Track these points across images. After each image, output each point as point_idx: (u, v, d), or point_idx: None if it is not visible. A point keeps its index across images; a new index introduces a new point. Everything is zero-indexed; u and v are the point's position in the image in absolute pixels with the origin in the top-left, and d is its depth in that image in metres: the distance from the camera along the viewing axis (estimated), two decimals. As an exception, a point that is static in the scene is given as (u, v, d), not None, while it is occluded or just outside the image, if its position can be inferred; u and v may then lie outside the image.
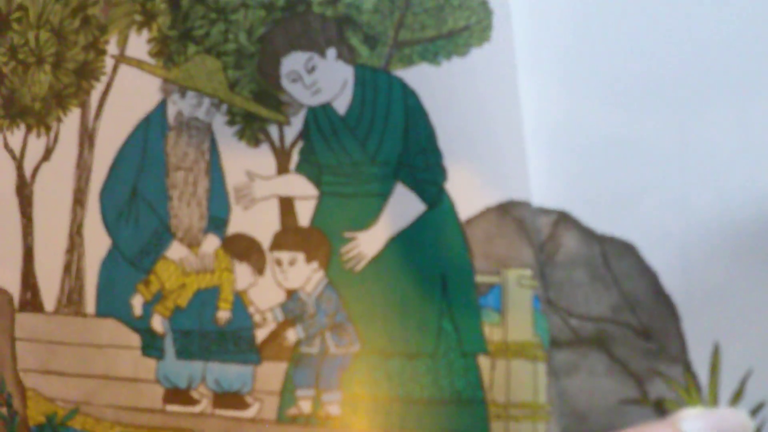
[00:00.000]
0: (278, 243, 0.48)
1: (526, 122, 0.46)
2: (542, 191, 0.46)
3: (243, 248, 0.49)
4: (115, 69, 0.52)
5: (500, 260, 0.46)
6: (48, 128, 0.54)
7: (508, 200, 0.46)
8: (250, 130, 0.49)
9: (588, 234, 0.45)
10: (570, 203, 0.45)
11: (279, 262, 0.48)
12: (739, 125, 0.43)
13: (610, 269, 0.45)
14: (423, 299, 0.47)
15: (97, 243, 0.52)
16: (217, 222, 0.50)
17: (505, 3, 0.47)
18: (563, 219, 0.46)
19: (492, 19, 0.47)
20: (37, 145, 0.55)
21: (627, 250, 0.45)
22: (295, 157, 0.49)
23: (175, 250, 0.51)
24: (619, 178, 0.45)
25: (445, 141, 0.47)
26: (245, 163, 0.49)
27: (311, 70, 0.48)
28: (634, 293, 0.44)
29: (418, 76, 0.47)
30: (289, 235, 0.48)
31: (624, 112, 0.45)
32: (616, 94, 0.45)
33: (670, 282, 0.44)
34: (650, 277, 0.44)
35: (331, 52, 0.48)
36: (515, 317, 0.45)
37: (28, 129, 0.55)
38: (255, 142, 0.49)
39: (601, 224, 0.45)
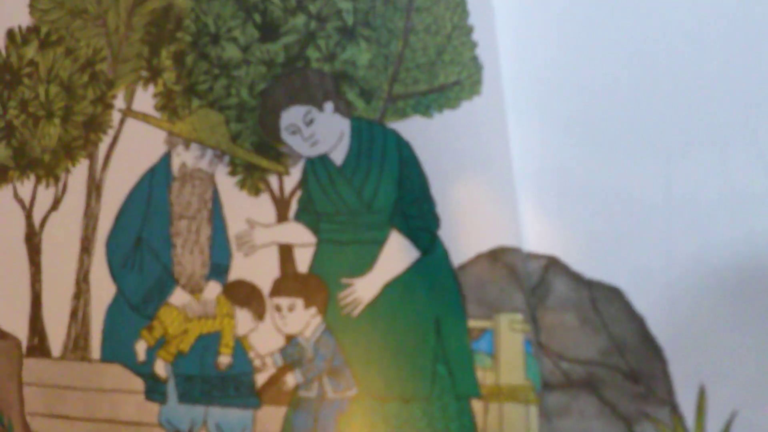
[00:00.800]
0: (278, 289, 0.50)
1: (515, 171, 0.48)
2: (532, 237, 0.47)
3: (244, 294, 0.50)
4: (122, 122, 0.54)
5: (492, 305, 0.48)
6: (57, 179, 0.56)
7: (499, 246, 0.47)
8: (251, 180, 0.51)
9: (577, 279, 0.47)
10: (559, 249, 0.47)
11: (278, 308, 0.50)
12: (720, 175, 0.45)
13: (599, 313, 0.46)
14: (418, 344, 0.48)
15: (102, 290, 0.54)
16: (218, 269, 0.51)
17: (495, 58, 0.49)
18: (553, 264, 0.47)
19: (482, 74, 0.49)
20: (45, 195, 0.57)
21: (615, 294, 0.46)
22: (294, 206, 0.50)
23: (178, 297, 0.52)
24: (606, 225, 0.46)
25: (438, 190, 0.49)
26: (246, 212, 0.51)
27: (309, 123, 0.50)
28: (622, 337, 0.45)
29: (411, 128, 0.50)
30: (289, 282, 0.50)
31: (611, 161, 0.47)
32: (603, 144, 0.47)
33: (656, 326, 0.45)
34: (637, 321, 0.45)
35: (329, 106, 0.50)
36: (507, 361, 0.47)
37: (38, 180, 0.57)
38: (256, 191, 0.51)
39: (590, 269, 0.46)
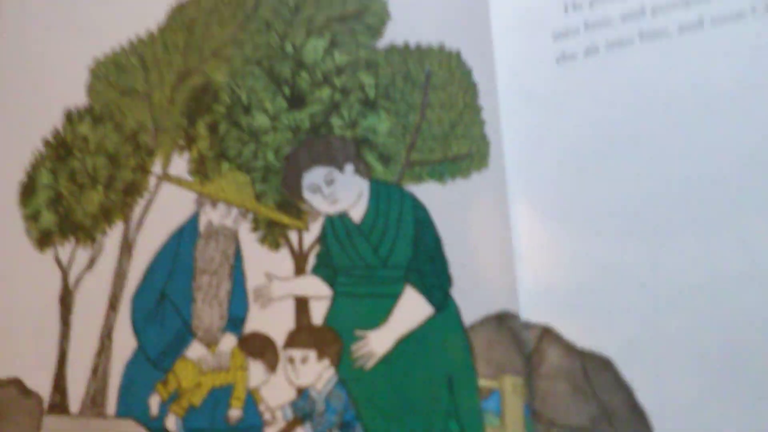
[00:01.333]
0: (292, 341, 0.50)
1: (515, 242, 0.49)
2: (529, 306, 0.48)
3: (258, 346, 0.51)
4: (157, 186, 0.58)
5: (499, 366, 0.47)
6: (93, 240, 0.59)
7: (504, 310, 0.48)
8: (272, 235, 0.53)
9: (569, 348, 0.47)
10: (554, 318, 0.48)
11: (291, 360, 0.50)
12: (703, 258, 0.46)
13: (590, 382, 0.46)
14: (431, 400, 0.47)
15: (124, 346, 0.55)
16: (235, 321, 0.53)
17: (500, 137, 0.52)
18: (547, 333, 0.48)
19: (489, 149, 0.52)
20: (82, 256, 0.60)
21: (605, 364, 0.46)
22: (312, 260, 0.52)
23: (194, 350, 0.53)
24: (598, 299, 0.47)
25: (450, 251, 0.50)
26: (266, 266, 0.53)
27: (330, 183, 0.53)
28: (612, 406, 0.45)
29: (426, 192, 0.52)
30: (303, 334, 0.50)
31: (603, 239, 0.48)
32: (595, 223, 0.48)
33: (644, 396, 0.45)
34: (626, 391, 0.45)
35: (349, 167, 0.53)
36: (512, 423, 0.46)
37: (77, 242, 0.60)
38: (276, 246, 0.53)
39: (582, 339, 0.47)
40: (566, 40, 0.52)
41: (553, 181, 0.50)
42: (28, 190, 0.64)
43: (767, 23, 0.48)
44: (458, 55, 0.53)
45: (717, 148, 0.47)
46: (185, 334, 0.53)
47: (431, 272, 0.50)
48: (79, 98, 0.64)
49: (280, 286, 0.52)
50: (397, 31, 0.55)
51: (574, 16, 0.52)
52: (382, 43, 0.55)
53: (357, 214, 0.52)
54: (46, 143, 0.65)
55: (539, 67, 0.52)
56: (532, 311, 0.48)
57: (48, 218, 0.62)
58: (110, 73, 0.63)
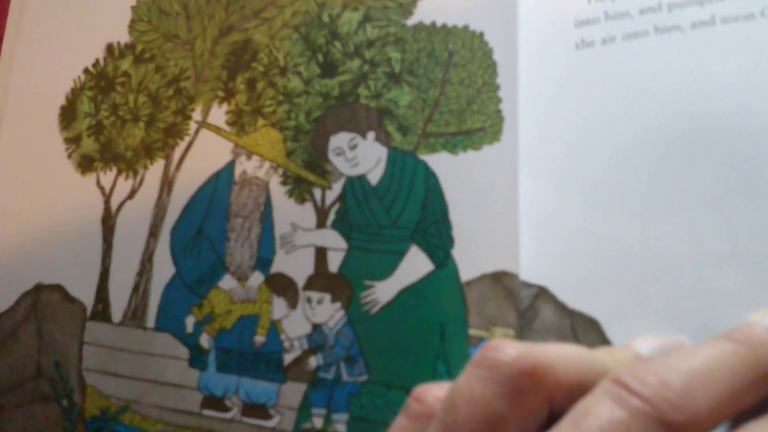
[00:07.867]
0: (311, 284, 0.59)
1: (521, 211, 0.56)
2: (529, 268, 0.55)
3: (282, 285, 0.60)
4: (197, 131, 0.65)
5: (490, 319, 0.56)
6: (135, 173, 0.66)
7: (501, 270, 0.56)
8: (299, 190, 0.60)
9: (562, 307, 0.54)
10: (550, 280, 0.55)
11: (309, 300, 0.59)
12: (690, 237, 0.51)
13: (577, 339, 0.54)
14: (423, 343, 0.56)
15: (163, 270, 0.63)
16: (263, 262, 0.61)
17: (515, 113, 0.57)
18: (542, 293, 0.55)
19: (503, 126, 0.58)
20: (124, 185, 0.67)
21: (592, 324, 0.53)
22: (332, 216, 0.60)
23: (227, 282, 0.61)
24: (591, 266, 0.54)
25: (455, 216, 0.57)
26: (291, 217, 0.60)
27: (353, 148, 0.59)
28: None
29: (439, 162, 0.58)
30: (320, 279, 0.59)
31: (600, 212, 0.54)
32: (594, 197, 0.54)
33: None
34: None
35: (371, 135, 0.59)
36: (497, 366, 0.55)
37: (119, 172, 0.67)
38: (301, 200, 0.60)
39: (573, 301, 0.54)
40: (587, 28, 0.56)
41: (562, 157, 0.55)
42: (68, 115, 0.70)
43: (775, 25, 0.52)
44: (481, 35, 0.58)
45: (712, 138, 0.52)
46: (219, 267, 0.61)
47: (435, 234, 0.57)
48: (121, 35, 0.69)
49: (303, 236, 0.60)
50: (426, 11, 0.60)
51: (596, 7, 0.56)
52: (411, 21, 0.60)
53: (374, 177, 0.59)
54: (86, 71, 0.70)
55: (559, 52, 0.56)
56: (531, 273, 0.55)
57: (89, 144, 0.69)
58: (152, 16, 0.68)
